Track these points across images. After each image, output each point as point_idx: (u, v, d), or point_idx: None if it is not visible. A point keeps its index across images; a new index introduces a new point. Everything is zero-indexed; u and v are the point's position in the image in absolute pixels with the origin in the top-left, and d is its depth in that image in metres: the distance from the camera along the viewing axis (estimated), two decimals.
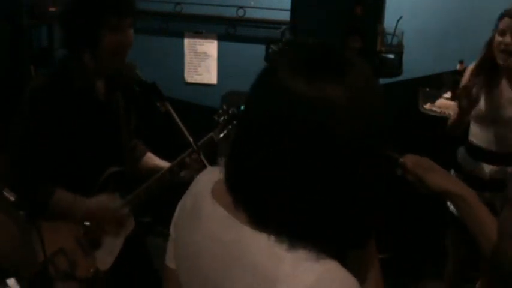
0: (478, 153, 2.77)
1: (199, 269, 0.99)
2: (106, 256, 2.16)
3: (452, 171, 2.88)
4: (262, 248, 0.89)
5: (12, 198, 1.24)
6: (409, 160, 1.38)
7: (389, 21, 2.94)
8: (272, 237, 0.89)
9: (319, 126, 0.85)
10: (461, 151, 2.88)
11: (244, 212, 0.92)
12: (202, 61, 3.91)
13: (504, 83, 2.68)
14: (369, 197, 0.91)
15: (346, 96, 0.86)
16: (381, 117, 0.90)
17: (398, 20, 2.89)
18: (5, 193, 1.24)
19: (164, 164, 2.29)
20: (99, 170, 2.11)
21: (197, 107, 3.78)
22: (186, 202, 1.10)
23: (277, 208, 0.89)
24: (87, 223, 2.10)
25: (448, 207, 2.81)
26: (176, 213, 1.13)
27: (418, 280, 3.56)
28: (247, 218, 0.92)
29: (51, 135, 1.97)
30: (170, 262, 1.13)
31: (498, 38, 2.59)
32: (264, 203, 0.90)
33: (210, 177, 1.07)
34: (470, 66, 2.82)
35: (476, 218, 1.33)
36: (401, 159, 1.38)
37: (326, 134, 0.85)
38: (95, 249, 2.13)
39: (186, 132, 2.05)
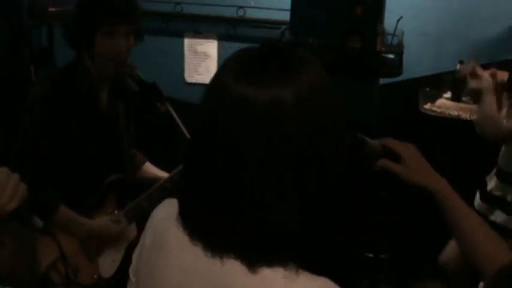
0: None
1: None
2: (109, 263, 2.16)
3: (478, 197, 2.80)
4: (247, 275, 0.84)
5: (40, 226, 1.23)
6: (389, 145, 1.22)
7: (389, 21, 2.94)
8: (253, 263, 0.84)
9: (271, 130, 0.82)
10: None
11: (212, 240, 0.86)
12: (202, 61, 3.91)
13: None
14: (327, 203, 0.86)
15: (295, 97, 0.84)
16: (334, 113, 0.89)
17: (398, 20, 2.89)
18: (34, 220, 1.23)
19: (162, 173, 2.30)
20: (100, 178, 2.12)
21: (197, 107, 3.78)
22: (144, 242, 1.04)
23: (250, 232, 0.83)
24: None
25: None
26: (135, 256, 1.07)
27: (418, 280, 3.56)
28: (216, 247, 0.86)
29: (52, 143, 1.96)
30: None
31: None
32: (230, 228, 0.84)
33: (169, 209, 0.99)
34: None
35: (454, 213, 1.19)
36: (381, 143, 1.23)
37: (279, 137, 0.82)
38: (98, 255, 2.13)
39: (186, 133, 2.06)
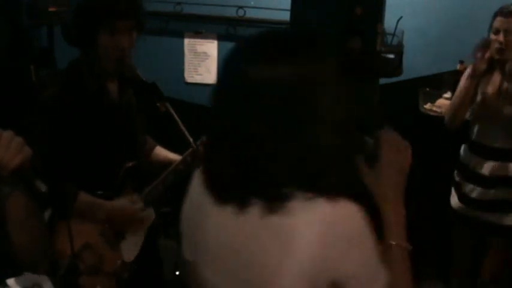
0: (482, 151, 2.79)
1: (222, 254, 1.12)
2: (130, 247, 2.18)
3: (456, 173, 2.88)
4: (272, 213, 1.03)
5: (43, 189, 1.25)
6: (385, 139, 1.23)
7: (389, 21, 2.94)
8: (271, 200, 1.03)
9: (276, 101, 1.00)
10: (464, 150, 2.89)
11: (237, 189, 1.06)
12: (202, 61, 3.91)
13: (498, 78, 2.72)
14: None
15: (296, 75, 1.00)
16: (332, 92, 1.04)
17: (398, 20, 2.89)
18: (37, 184, 1.24)
19: (173, 156, 2.33)
20: (116, 166, 2.13)
21: (197, 107, 3.78)
22: (188, 198, 1.23)
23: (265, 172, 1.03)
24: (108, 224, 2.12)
25: (451, 207, 2.82)
26: (183, 210, 1.24)
27: (418, 280, 3.56)
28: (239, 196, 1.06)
29: (68, 139, 1.97)
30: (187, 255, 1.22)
31: (493, 36, 2.65)
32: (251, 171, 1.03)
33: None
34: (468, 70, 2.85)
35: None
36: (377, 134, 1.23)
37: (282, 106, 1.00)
38: (120, 241, 2.15)
39: (186, 132, 2.06)
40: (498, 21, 2.64)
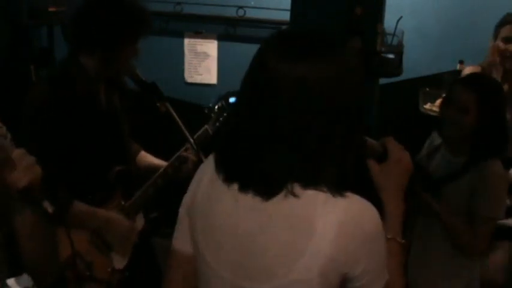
0: None
1: (232, 240, 1.14)
2: (121, 254, 2.18)
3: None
4: (291, 202, 1.06)
5: (50, 210, 1.25)
6: (391, 145, 1.28)
7: (389, 21, 2.94)
8: (292, 190, 1.05)
9: (300, 99, 1.04)
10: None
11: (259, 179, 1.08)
12: (202, 61, 3.91)
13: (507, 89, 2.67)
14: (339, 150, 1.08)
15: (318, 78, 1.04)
16: (351, 96, 1.09)
17: (398, 20, 2.89)
18: (45, 204, 1.24)
19: (158, 161, 2.33)
20: (105, 170, 2.13)
21: (197, 107, 3.78)
22: (195, 189, 1.23)
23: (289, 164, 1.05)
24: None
25: None
26: (188, 200, 1.25)
27: None
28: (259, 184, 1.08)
29: (59, 143, 1.96)
30: (183, 245, 1.25)
31: (501, 46, 2.55)
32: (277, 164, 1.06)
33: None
34: (468, 68, 2.81)
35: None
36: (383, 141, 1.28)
37: (308, 104, 1.04)
38: (110, 248, 2.15)
39: (186, 132, 2.07)
40: (507, 29, 2.55)
